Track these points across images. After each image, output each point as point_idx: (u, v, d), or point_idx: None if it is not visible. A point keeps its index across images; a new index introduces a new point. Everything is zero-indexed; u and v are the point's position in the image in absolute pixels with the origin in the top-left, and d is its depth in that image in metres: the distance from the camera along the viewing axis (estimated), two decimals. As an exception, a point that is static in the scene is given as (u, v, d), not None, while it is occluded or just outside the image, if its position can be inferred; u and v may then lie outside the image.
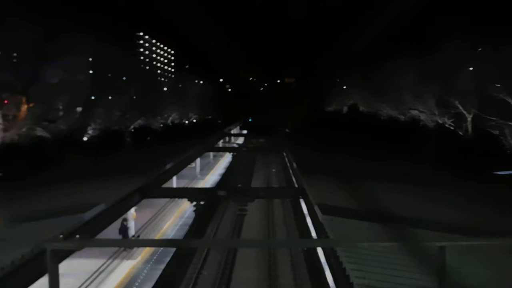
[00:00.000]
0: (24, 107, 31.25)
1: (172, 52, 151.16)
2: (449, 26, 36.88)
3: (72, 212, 15.89)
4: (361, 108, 68.25)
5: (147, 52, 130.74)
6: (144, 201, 25.50)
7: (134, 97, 49.30)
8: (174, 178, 34.77)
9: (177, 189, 33.61)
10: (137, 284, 19.47)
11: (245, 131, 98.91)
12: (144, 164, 30.50)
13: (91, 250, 17.29)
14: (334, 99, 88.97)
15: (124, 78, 50.71)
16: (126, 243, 19.67)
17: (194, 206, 28.17)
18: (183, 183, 38.08)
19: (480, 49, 34.35)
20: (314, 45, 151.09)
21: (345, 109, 79.70)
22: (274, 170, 51.39)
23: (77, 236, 6.12)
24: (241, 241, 20.19)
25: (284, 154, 49.72)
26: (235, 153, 60.75)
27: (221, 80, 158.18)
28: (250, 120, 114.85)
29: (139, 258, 21.83)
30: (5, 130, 30.07)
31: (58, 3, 34.71)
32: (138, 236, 24.94)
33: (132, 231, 24.80)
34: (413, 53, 41.61)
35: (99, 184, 22.00)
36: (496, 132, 29.68)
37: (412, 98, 41.59)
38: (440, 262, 5.78)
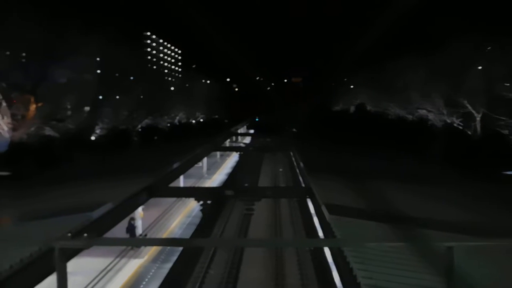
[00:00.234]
0: (33, 107, 31.48)
1: (180, 51, 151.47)
2: (457, 25, 36.58)
3: (80, 211, 15.99)
4: (368, 108, 67.98)
5: (154, 52, 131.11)
6: (151, 200, 25.59)
7: (142, 97, 49.48)
8: (181, 177, 34.88)
9: (184, 188, 33.71)
10: (144, 283, 19.56)
11: (252, 131, 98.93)
12: (151, 163, 30.61)
13: (98, 248, 17.49)
14: (341, 99, 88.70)
15: (131, 78, 50.91)
16: (134, 242, 19.72)
17: (201, 205, 28.26)
18: (190, 183, 38.20)
19: (489, 48, 34.05)
20: (321, 45, 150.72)
21: (352, 108, 79.40)
22: (281, 169, 51.35)
23: (85, 234, 6.16)
24: (248, 241, 20.21)
25: (291, 153, 49.70)
26: (242, 153, 60.80)
27: (228, 79, 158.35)
28: (257, 119, 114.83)
29: (146, 257, 21.93)
30: (14, 129, 30.34)
31: (66, 3, 34.87)
32: (145, 235, 25.05)
33: (139, 230, 24.91)
34: (420, 52, 41.34)
35: (106, 183, 22.10)
36: (506, 132, 29.44)
37: (420, 97, 41.36)
38: (448, 262, 5.74)
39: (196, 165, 42.68)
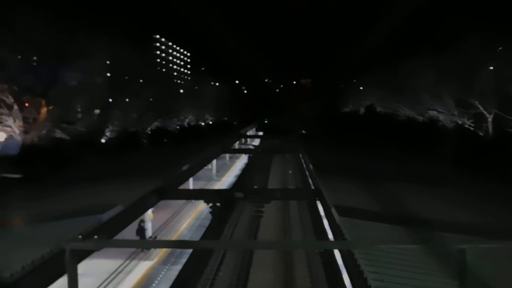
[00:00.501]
0: (44, 110, 31.77)
1: (189, 54, 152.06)
2: (467, 25, 36.27)
3: (91, 213, 16.08)
4: (378, 109, 67.63)
5: (163, 55, 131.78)
6: (161, 203, 25.66)
7: (151, 99, 49.76)
8: (191, 179, 34.94)
9: (194, 190, 33.79)
10: (154, 285, 19.61)
11: (261, 133, 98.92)
12: (161, 165, 30.71)
13: (109, 250, 17.53)
14: (351, 100, 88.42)
15: (141, 81, 51.20)
16: (144, 244, 19.84)
17: (211, 207, 28.29)
18: (200, 185, 38.25)
19: (500, 48, 33.71)
20: (330, 46, 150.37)
21: (362, 110, 79.09)
22: (290, 171, 51.26)
23: (95, 236, 6.21)
24: (258, 243, 20.20)
25: (300, 155, 49.58)
26: (251, 155, 60.79)
27: (237, 81, 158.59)
28: (266, 121, 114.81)
29: (156, 259, 21.98)
30: (25, 132, 30.64)
31: (76, 5, 35.14)
32: (155, 237, 25.11)
33: (149, 232, 24.98)
34: (430, 52, 41.06)
35: (116, 185, 22.21)
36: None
37: (430, 98, 41.04)
38: (460, 264, 5.67)
39: (205, 167, 42.76)
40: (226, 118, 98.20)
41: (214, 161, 46.72)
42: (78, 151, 30.88)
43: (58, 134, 32.52)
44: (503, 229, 14.00)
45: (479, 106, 34.12)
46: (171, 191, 25.68)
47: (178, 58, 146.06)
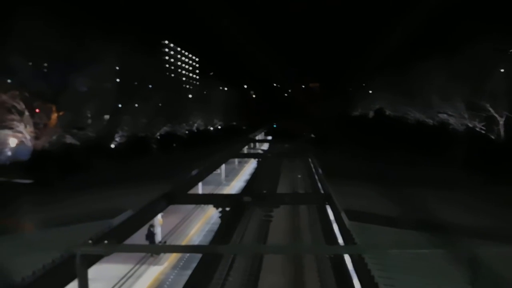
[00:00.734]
0: (55, 115, 32.09)
1: (197, 59, 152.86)
2: (477, 28, 36.01)
3: (101, 218, 16.13)
4: (387, 112, 67.28)
5: (172, 60, 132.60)
6: (171, 207, 25.68)
7: (160, 105, 50.01)
8: (200, 184, 34.97)
9: (203, 195, 33.79)
10: (164, 289, 19.60)
11: (270, 137, 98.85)
12: (170, 170, 30.77)
13: (119, 255, 17.59)
14: (360, 104, 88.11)
15: (150, 86, 51.53)
16: (153, 249, 19.82)
17: (220, 212, 28.24)
18: (209, 189, 38.27)
19: (511, 50, 33.44)
20: (339, 50, 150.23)
21: (371, 113, 78.74)
22: (299, 176, 51.08)
23: (106, 241, 6.20)
24: (267, 247, 20.12)
25: (309, 159, 49.41)
26: (260, 159, 60.68)
27: (245, 86, 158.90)
28: (275, 125, 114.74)
29: (166, 264, 21.99)
30: (36, 138, 30.95)
31: (85, 12, 35.54)
32: (165, 242, 25.14)
33: (158, 237, 25.02)
34: (440, 55, 40.81)
35: (126, 190, 22.27)
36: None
37: (441, 101, 40.74)
38: (473, 269, 5.58)
39: (214, 172, 42.77)
40: (234, 123, 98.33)
41: (223, 166, 46.73)
42: (88, 156, 31.11)
43: (69, 139, 32.82)
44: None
45: (490, 108, 33.81)
46: (180, 196, 25.69)
47: (186, 63, 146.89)
